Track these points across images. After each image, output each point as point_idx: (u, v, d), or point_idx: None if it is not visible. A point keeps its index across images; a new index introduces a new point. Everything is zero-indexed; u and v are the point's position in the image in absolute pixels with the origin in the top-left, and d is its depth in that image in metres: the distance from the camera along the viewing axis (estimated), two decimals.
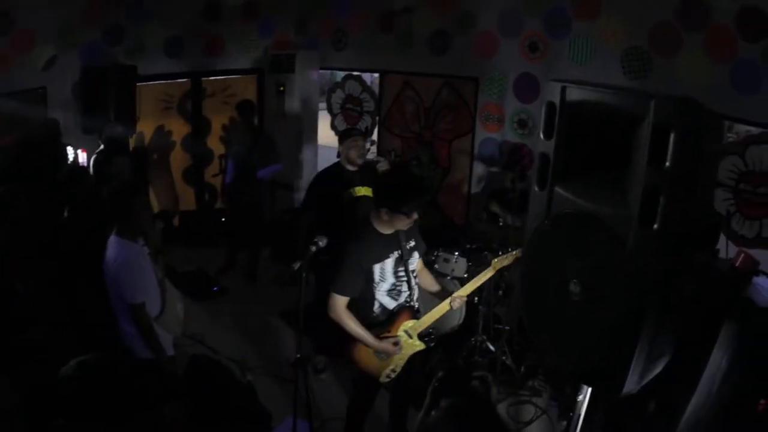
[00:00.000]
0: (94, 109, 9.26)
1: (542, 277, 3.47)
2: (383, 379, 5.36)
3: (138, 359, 5.05)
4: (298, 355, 5.14)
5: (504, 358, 7.22)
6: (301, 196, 8.54)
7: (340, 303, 5.03)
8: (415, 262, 5.43)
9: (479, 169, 10.48)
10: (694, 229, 3.02)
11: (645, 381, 3.18)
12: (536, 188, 3.45)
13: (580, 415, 3.73)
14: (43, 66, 9.02)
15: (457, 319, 7.06)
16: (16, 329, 5.32)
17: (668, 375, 3.38)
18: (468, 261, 7.68)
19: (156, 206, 10.83)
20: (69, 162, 8.40)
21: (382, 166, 7.25)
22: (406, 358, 5.39)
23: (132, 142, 10.11)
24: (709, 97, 6.40)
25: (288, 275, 7.74)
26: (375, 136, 11.85)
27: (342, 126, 12.21)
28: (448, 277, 7.49)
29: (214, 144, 11.89)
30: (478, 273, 5.82)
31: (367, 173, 7.29)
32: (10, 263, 5.93)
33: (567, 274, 3.23)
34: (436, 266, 7.60)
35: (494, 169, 10.17)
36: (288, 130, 11.36)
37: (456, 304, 5.47)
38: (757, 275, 5.27)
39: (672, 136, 2.68)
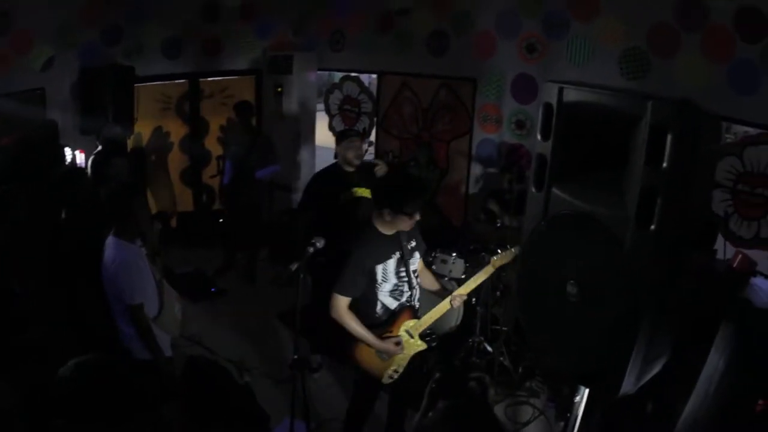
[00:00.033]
0: (92, 109, 9.26)
1: (539, 278, 3.47)
2: (386, 379, 5.37)
3: (136, 360, 5.05)
4: (296, 356, 5.14)
5: (501, 359, 7.23)
6: (299, 197, 8.54)
7: (341, 303, 5.04)
8: (416, 262, 5.45)
9: (477, 170, 10.48)
10: (691, 229, 3.02)
11: (642, 382, 3.19)
12: (533, 189, 3.45)
13: (577, 416, 3.73)
14: (41, 67, 9.02)
15: (455, 320, 7.07)
16: (14, 330, 5.31)
17: (666, 376, 3.39)
18: (466, 262, 7.69)
19: (154, 207, 10.84)
20: (67, 163, 8.40)
21: (380, 170, 7.25)
22: (408, 358, 5.39)
23: (130, 143, 10.10)
24: (707, 97, 6.47)
25: (286, 276, 7.75)
26: (373, 137, 11.83)
27: (340, 127, 12.18)
28: (446, 278, 7.49)
29: (212, 145, 11.89)
30: (476, 274, 5.82)
31: (364, 174, 7.29)
32: (9, 264, 5.92)
33: (564, 275, 3.23)
34: (433, 267, 7.60)
35: (492, 170, 10.17)
36: (286, 131, 11.36)
37: (456, 303, 5.49)
38: (755, 276, 5.29)
39: (669, 137, 2.68)
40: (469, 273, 7.17)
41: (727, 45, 7.23)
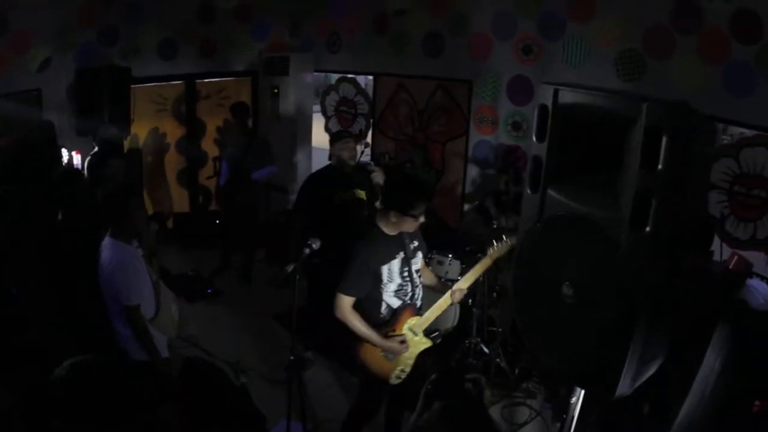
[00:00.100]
0: (89, 111, 9.25)
1: (535, 279, 3.48)
2: (393, 380, 5.37)
3: (133, 361, 5.05)
4: (292, 357, 5.15)
5: (498, 360, 7.23)
6: (295, 198, 8.55)
7: (346, 303, 5.05)
8: (419, 262, 5.46)
9: (473, 171, 10.49)
10: (686, 231, 3.03)
11: (638, 383, 3.19)
12: (529, 191, 3.46)
13: (573, 417, 3.74)
14: (38, 67, 9.01)
15: (452, 321, 7.08)
16: (13, 330, 5.32)
17: (662, 377, 3.39)
18: (462, 263, 7.69)
19: (150, 208, 10.85)
20: (63, 164, 8.40)
21: (378, 176, 7.25)
22: (414, 356, 5.40)
23: (126, 144, 10.10)
24: (703, 99, 6.49)
25: (282, 277, 7.75)
26: (369, 139, 11.82)
27: (336, 128, 12.18)
28: (442, 280, 7.50)
29: (209, 146, 11.89)
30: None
31: (359, 175, 7.30)
32: (6, 265, 5.93)
33: (560, 276, 3.24)
34: (429, 268, 7.61)
35: (488, 172, 10.18)
36: (282, 133, 11.36)
37: (457, 297, 5.49)
38: (751, 277, 5.30)
39: (664, 139, 2.69)
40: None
41: (722, 47, 7.24)
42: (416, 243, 5.40)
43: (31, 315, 5.51)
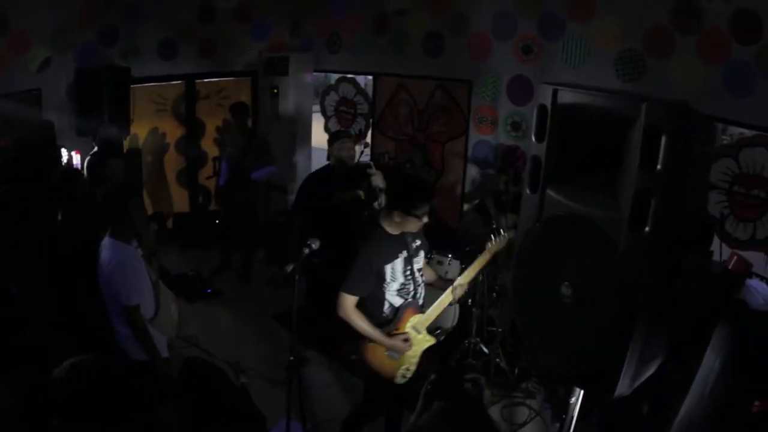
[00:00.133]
0: (89, 111, 9.25)
1: (534, 279, 3.48)
2: (399, 379, 5.37)
3: (132, 361, 5.05)
4: (292, 358, 5.15)
5: (497, 360, 7.23)
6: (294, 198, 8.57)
7: (349, 302, 5.06)
8: (421, 261, 5.48)
9: (473, 171, 10.49)
10: (685, 231, 3.03)
11: (637, 383, 3.19)
12: (528, 191, 3.46)
13: (573, 417, 3.74)
14: (37, 68, 9.01)
15: (451, 321, 7.07)
16: (13, 330, 5.32)
17: (661, 377, 3.39)
18: (461, 263, 7.69)
19: (150, 208, 10.85)
20: (63, 164, 8.40)
21: (377, 179, 7.26)
22: (418, 355, 5.40)
23: (126, 144, 10.10)
24: (702, 99, 6.48)
25: (281, 278, 7.76)
26: (369, 139, 11.82)
27: (336, 128, 12.17)
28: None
29: (209, 146, 11.90)
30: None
31: (357, 175, 7.30)
32: (6, 265, 5.93)
33: (559, 276, 3.24)
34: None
35: (488, 172, 10.18)
36: (282, 133, 11.36)
37: (458, 293, 5.51)
38: (750, 277, 5.30)
39: (663, 139, 2.69)
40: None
41: (722, 47, 7.24)
42: (419, 242, 5.41)
43: (30, 315, 5.51)
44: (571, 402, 3.69)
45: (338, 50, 11.80)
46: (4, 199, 6.64)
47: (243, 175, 9.46)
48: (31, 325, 5.40)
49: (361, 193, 7.29)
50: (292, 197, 10.55)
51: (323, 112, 12.68)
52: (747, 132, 7.44)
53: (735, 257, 5.39)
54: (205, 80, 11.60)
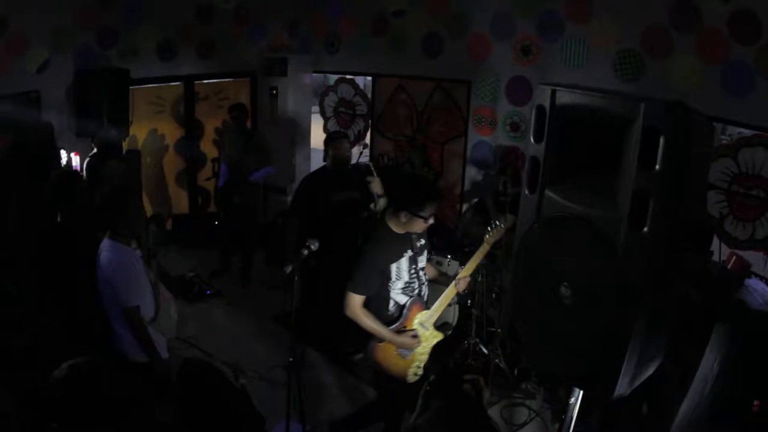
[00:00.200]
0: (88, 112, 9.26)
1: (533, 279, 3.48)
2: (411, 378, 5.41)
3: (131, 362, 5.05)
4: (291, 359, 5.15)
5: (497, 360, 7.23)
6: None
7: (356, 302, 5.09)
8: (425, 260, 5.54)
9: (472, 172, 10.48)
10: (684, 231, 3.03)
11: (637, 383, 3.19)
12: (527, 191, 3.46)
13: (572, 418, 3.74)
14: (36, 69, 9.01)
15: (452, 318, 7.08)
16: (11, 332, 5.32)
17: (660, 377, 3.40)
18: (460, 264, 7.69)
19: (149, 210, 10.85)
20: (62, 165, 8.40)
21: (376, 186, 7.26)
22: (427, 351, 5.44)
23: (125, 146, 10.10)
24: (701, 99, 6.47)
25: (282, 279, 7.77)
26: (368, 140, 11.82)
27: (335, 129, 12.16)
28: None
29: (207, 147, 11.91)
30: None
31: (353, 176, 7.32)
32: (5, 266, 5.92)
33: (557, 276, 3.24)
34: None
35: (487, 172, 10.17)
36: (281, 134, 11.35)
37: (461, 286, 5.54)
38: (749, 277, 5.29)
39: (661, 139, 2.69)
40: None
41: (721, 47, 7.24)
42: (423, 241, 5.46)
43: (29, 317, 5.50)
44: (571, 402, 3.69)
45: (337, 51, 11.80)
46: (3, 201, 6.64)
47: (242, 177, 9.46)
48: (30, 326, 5.39)
49: (358, 194, 7.30)
50: (291, 198, 10.57)
51: (322, 113, 12.68)
52: (746, 132, 7.43)
53: (734, 257, 5.39)
54: (204, 81, 11.61)
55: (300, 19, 12.00)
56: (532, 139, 3.35)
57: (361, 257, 5.12)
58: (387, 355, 5.28)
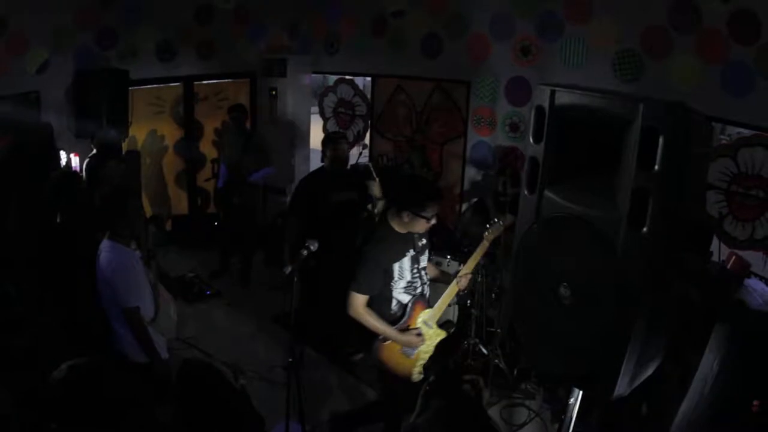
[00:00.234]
0: (87, 113, 9.26)
1: (532, 280, 3.48)
2: (416, 376, 5.43)
3: (131, 363, 5.05)
4: (291, 359, 5.15)
5: (497, 361, 7.23)
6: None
7: (360, 301, 5.10)
8: (426, 259, 5.57)
9: (471, 172, 10.48)
10: (684, 231, 3.03)
11: (636, 383, 3.19)
12: (526, 192, 3.45)
13: (571, 418, 3.74)
14: (36, 70, 9.01)
15: (453, 316, 7.09)
16: (11, 333, 5.32)
17: (660, 377, 3.40)
18: (460, 264, 7.69)
19: (148, 210, 10.85)
20: (61, 166, 8.40)
21: (374, 189, 7.26)
22: (431, 350, 5.47)
23: (125, 146, 10.09)
24: (701, 99, 6.48)
25: (280, 279, 7.77)
26: (367, 140, 11.84)
27: (335, 130, 12.16)
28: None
29: (207, 148, 11.90)
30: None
31: (351, 176, 7.32)
32: (4, 267, 5.92)
33: (557, 277, 3.23)
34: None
35: (487, 173, 10.17)
36: (280, 134, 11.35)
37: (463, 283, 5.57)
38: (749, 277, 5.30)
39: (661, 140, 2.69)
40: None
41: (720, 47, 7.24)
42: (424, 240, 5.49)
43: (29, 317, 5.50)
44: (570, 402, 3.69)
45: (336, 51, 11.80)
46: (2, 202, 6.64)
47: (241, 177, 9.46)
48: (30, 326, 5.39)
49: (355, 194, 7.31)
50: (289, 199, 10.57)
51: (322, 114, 12.68)
52: (745, 132, 7.44)
53: (733, 257, 5.39)
54: (204, 82, 11.60)
55: (299, 19, 12.00)
56: (531, 140, 3.35)
57: (364, 257, 5.13)
58: (391, 354, 5.29)
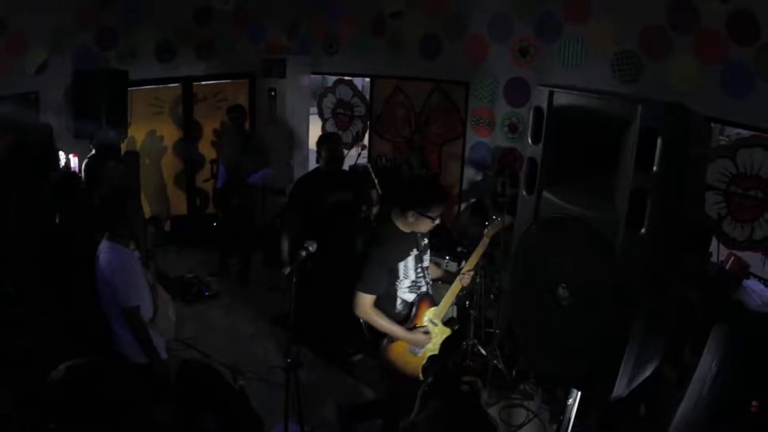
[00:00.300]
0: (86, 113, 9.26)
1: (531, 281, 3.48)
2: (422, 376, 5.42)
3: (131, 363, 5.05)
4: (289, 360, 5.14)
5: (495, 362, 7.23)
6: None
7: (367, 301, 5.10)
8: (428, 258, 5.59)
9: (470, 173, 10.49)
10: (682, 232, 3.03)
11: (634, 384, 3.19)
12: (524, 193, 3.45)
13: (570, 419, 3.74)
14: (35, 70, 9.01)
15: (451, 314, 7.10)
16: (10, 333, 5.32)
17: (659, 378, 3.40)
18: (459, 265, 7.69)
19: (147, 211, 10.84)
20: (60, 167, 8.41)
21: (372, 194, 7.27)
22: (437, 347, 5.47)
23: (124, 147, 10.10)
24: (700, 99, 6.48)
25: (279, 280, 7.77)
26: (366, 141, 11.85)
27: (333, 131, 12.18)
28: (439, 282, 7.51)
29: (206, 149, 11.90)
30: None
31: (347, 177, 7.32)
32: (4, 267, 5.93)
33: (555, 278, 3.23)
34: None
35: (485, 173, 10.18)
36: (279, 135, 11.34)
37: (465, 281, 5.60)
38: (748, 278, 5.30)
39: (659, 141, 2.69)
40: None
41: (719, 48, 7.25)
42: (426, 240, 5.52)
43: (28, 318, 5.50)
44: (569, 403, 3.69)
45: (335, 52, 11.81)
46: (2, 202, 6.64)
47: (240, 178, 9.47)
48: (30, 326, 5.39)
49: (351, 195, 7.32)
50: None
51: (320, 115, 12.70)
52: (744, 132, 7.44)
53: (732, 258, 5.40)
54: (203, 83, 11.60)
55: (299, 20, 11.99)
56: (529, 140, 3.34)
57: (369, 257, 5.14)
58: (399, 353, 5.30)
